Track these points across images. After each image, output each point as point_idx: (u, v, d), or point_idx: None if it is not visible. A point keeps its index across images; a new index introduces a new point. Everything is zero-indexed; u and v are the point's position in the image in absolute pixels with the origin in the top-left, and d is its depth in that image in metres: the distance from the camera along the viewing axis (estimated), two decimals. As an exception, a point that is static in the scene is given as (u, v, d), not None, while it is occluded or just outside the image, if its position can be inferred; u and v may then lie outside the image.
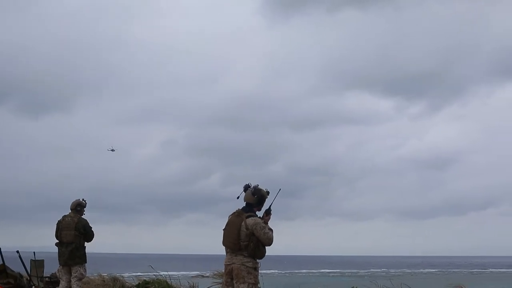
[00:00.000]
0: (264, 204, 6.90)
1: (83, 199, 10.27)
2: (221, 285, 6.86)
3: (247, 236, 6.59)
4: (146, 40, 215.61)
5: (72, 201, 10.19)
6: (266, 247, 6.75)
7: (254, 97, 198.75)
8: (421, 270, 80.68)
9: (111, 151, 50.61)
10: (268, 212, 6.86)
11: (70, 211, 10.11)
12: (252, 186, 6.85)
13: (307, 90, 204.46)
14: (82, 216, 10.10)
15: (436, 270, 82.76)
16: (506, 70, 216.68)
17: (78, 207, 10.13)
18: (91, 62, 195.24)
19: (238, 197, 6.87)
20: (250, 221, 6.63)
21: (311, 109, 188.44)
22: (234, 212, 6.84)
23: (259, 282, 6.88)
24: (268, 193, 6.86)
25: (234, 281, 6.65)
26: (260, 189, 6.83)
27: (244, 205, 6.83)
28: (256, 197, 6.78)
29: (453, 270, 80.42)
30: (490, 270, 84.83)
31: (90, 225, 10.10)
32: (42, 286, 11.25)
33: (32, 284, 11.12)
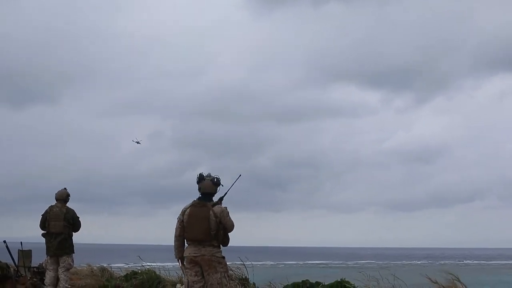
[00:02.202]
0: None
1: (65, 189, 10.17)
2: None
3: (216, 224, 6.64)
4: (133, 32, 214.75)
5: (57, 191, 10.10)
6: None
7: (240, 90, 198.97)
8: (409, 262, 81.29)
9: (136, 143, 50.21)
10: (221, 199, 6.91)
11: (56, 201, 10.03)
12: (211, 176, 6.83)
13: (293, 83, 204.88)
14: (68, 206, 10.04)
15: (423, 261, 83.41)
16: (491, 64, 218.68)
17: (67, 197, 10.06)
18: (77, 53, 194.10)
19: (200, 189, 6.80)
20: (217, 209, 6.70)
21: (296, 102, 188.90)
22: (193, 204, 6.80)
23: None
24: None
25: (206, 273, 6.69)
26: (217, 178, 6.85)
27: (200, 195, 6.83)
28: (217, 187, 6.82)
29: (439, 262, 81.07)
30: (476, 261, 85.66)
31: (77, 215, 10.05)
32: (30, 276, 11.17)
33: (19, 274, 11.05)
